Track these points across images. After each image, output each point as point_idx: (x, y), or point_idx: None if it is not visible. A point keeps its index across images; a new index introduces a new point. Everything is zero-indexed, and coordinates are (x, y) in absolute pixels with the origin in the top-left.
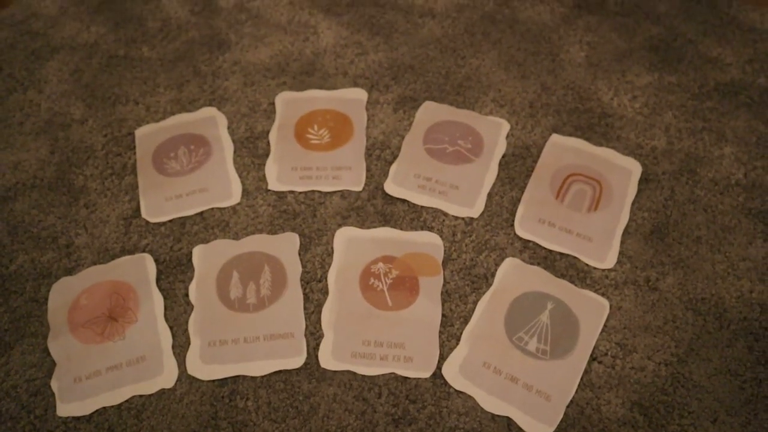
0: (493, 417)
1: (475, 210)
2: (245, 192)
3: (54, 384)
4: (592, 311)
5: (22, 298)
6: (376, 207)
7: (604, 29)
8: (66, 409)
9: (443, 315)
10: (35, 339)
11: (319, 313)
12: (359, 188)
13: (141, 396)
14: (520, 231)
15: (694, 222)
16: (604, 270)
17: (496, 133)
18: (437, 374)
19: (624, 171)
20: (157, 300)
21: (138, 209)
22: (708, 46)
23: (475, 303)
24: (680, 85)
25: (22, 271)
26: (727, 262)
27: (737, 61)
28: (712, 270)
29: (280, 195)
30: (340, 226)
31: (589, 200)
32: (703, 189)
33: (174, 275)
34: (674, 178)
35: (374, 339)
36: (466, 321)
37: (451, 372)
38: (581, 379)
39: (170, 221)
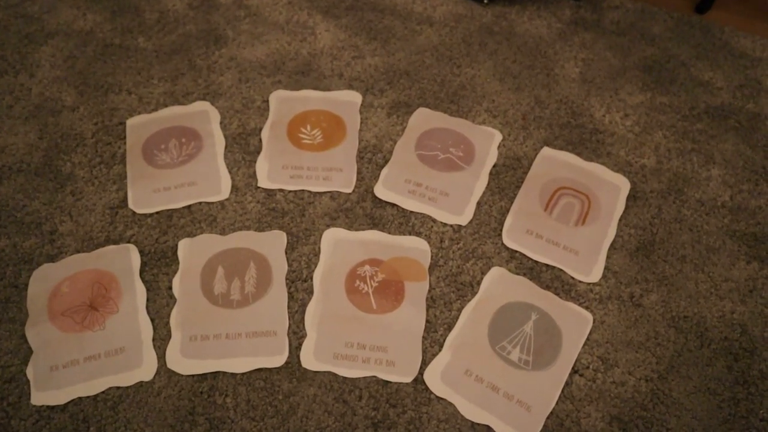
0: (473, 425)
1: (464, 218)
2: (234, 188)
3: (29, 371)
4: (575, 324)
5: (1, 282)
6: (365, 210)
7: (599, 47)
8: (41, 397)
9: (427, 321)
10: (12, 325)
11: (303, 312)
12: (349, 190)
13: (118, 388)
14: (508, 241)
15: (679, 241)
16: (589, 284)
17: (488, 142)
18: (419, 379)
19: (613, 187)
20: (140, 291)
21: (125, 199)
22: (700, 70)
23: (460, 310)
24: (671, 106)
25: (3, 256)
26: (710, 282)
27: (728, 85)
28: (695, 289)
29: (270, 193)
30: (328, 226)
31: (577, 214)
32: (690, 209)
33: (158, 267)
34: (662, 196)
35: (357, 341)
36: (449, 328)
37: (432, 378)
38: (562, 391)
39: (157, 213)
